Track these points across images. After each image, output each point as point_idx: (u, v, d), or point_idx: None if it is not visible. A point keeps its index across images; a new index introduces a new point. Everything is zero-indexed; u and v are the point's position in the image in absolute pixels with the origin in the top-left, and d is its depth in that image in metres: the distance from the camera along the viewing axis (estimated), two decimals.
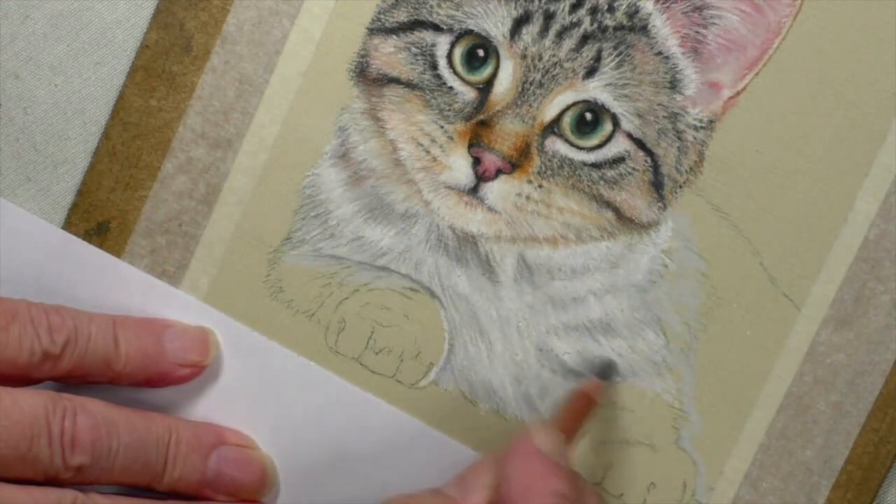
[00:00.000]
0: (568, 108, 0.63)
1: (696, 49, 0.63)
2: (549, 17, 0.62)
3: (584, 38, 0.62)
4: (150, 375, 0.61)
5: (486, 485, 0.57)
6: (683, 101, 0.63)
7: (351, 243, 0.64)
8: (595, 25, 0.62)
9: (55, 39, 0.63)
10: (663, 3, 0.62)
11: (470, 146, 0.63)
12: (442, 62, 0.63)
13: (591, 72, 0.63)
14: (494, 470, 0.57)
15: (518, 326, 0.65)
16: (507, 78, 0.63)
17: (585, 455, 0.65)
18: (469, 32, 0.63)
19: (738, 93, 0.63)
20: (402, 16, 0.63)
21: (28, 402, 0.57)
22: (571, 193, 0.64)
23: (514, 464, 0.56)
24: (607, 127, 0.63)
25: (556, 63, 0.62)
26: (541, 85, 0.63)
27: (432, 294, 0.64)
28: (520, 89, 0.63)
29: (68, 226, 0.64)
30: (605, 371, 0.64)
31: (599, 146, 0.63)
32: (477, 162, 0.63)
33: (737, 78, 0.63)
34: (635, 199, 0.64)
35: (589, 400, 0.62)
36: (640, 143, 0.63)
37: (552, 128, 0.63)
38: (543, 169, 0.63)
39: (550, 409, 0.64)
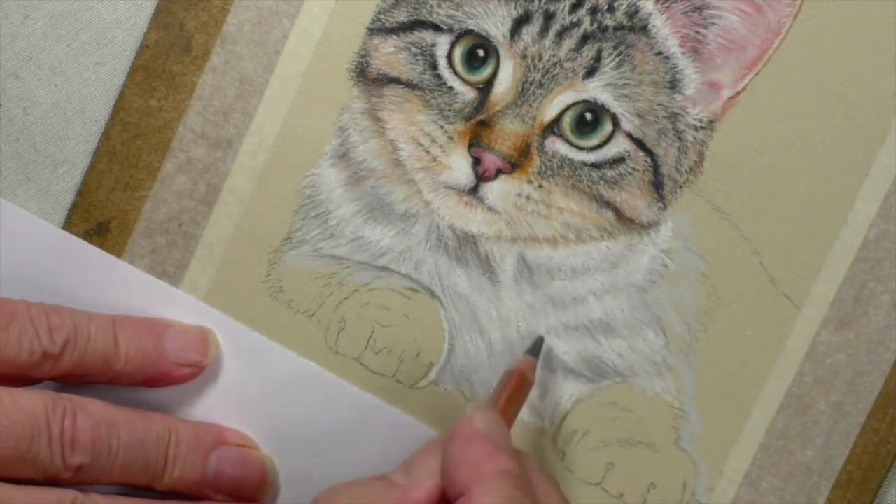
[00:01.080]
0: (568, 108, 0.63)
1: (696, 49, 0.63)
2: (549, 17, 0.62)
3: (584, 38, 0.62)
4: (149, 375, 0.61)
5: (433, 471, 0.56)
6: (683, 101, 0.63)
7: (351, 243, 0.64)
8: (595, 25, 0.62)
9: (55, 39, 0.63)
10: (663, 3, 0.62)
11: (470, 146, 0.63)
12: (442, 62, 0.63)
13: (591, 72, 0.63)
14: (440, 455, 0.57)
15: (518, 326, 0.65)
16: (507, 78, 0.63)
17: (585, 455, 0.65)
18: (469, 32, 0.63)
19: (738, 93, 0.63)
20: (402, 16, 0.63)
21: (28, 402, 0.57)
22: (571, 193, 0.64)
23: (457, 447, 0.56)
24: (607, 127, 0.63)
25: (556, 63, 0.62)
26: (541, 85, 0.63)
27: (432, 294, 0.64)
28: (520, 89, 0.63)
29: (68, 226, 0.64)
30: (535, 347, 0.64)
31: (599, 146, 0.63)
32: (477, 162, 0.63)
33: (737, 78, 0.63)
34: (635, 199, 0.64)
35: (522, 379, 0.62)
36: (640, 143, 0.63)
37: (552, 128, 0.63)
38: (543, 169, 0.63)
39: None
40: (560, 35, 0.62)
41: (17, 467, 0.57)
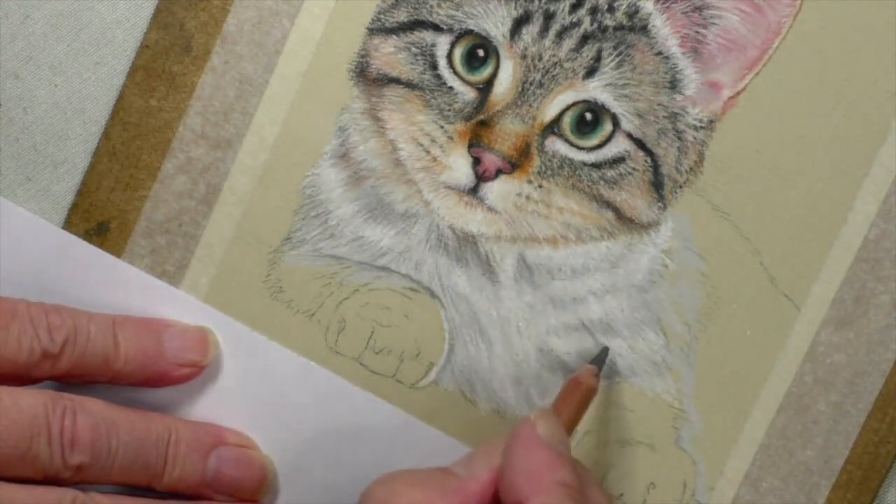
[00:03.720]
0: (568, 108, 0.63)
1: (696, 49, 0.63)
2: (549, 17, 0.62)
3: (584, 38, 0.62)
4: (149, 375, 0.61)
5: (491, 466, 0.57)
6: (683, 101, 0.63)
7: (351, 243, 0.64)
8: (595, 25, 0.62)
9: (55, 39, 0.63)
10: (663, 3, 0.62)
11: (470, 146, 0.63)
12: (442, 62, 0.63)
13: (591, 72, 0.63)
14: (500, 453, 0.57)
15: (518, 326, 0.65)
16: (507, 78, 0.63)
17: (586, 455, 0.65)
18: (469, 32, 0.63)
19: (738, 93, 0.63)
20: (402, 16, 0.63)
21: (28, 402, 0.57)
22: (571, 193, 0.64)
23: (518, 453, 0.56)
24: (607, 127, 0.63)
25: (556, 63, 0.62)
26: (541, 85, 0.63)
27: (432, 294, 0.64)
28: (520, 89, 0.63)
29: (68, 226, 0.64)
30: (600, 357, 0.64)
31: (599, 146, 0.63)
32: (477, 162, 0.63)
33: (737, 78, 0.63)
34: (635, 199, 0.64)
35: (586, 387, 0.61)
36: (640, 143, 0.63)
37: (552, 128, 0.63)
38: (543, 169, 0.63)
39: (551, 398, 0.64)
40: (560, 35, 0.62)
41: (17, 467, 0.57)
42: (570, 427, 0.60)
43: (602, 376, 0.64)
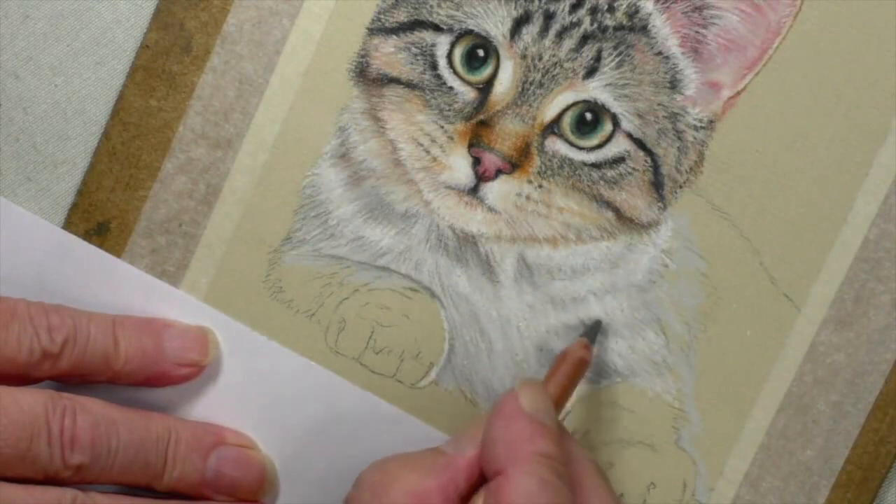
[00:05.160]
0: (568, 108, 0.63)
1: (696, 49, 0.63)
2: (549, 17, 0.62)
3: (584, 38, 0.62)
4: (149, 375, 0.61)
5: (478, 443, 0.57)
6: (683, 101, 0.63)
7: (351, 243, 0.64)
8: (595, 25, 0.62)
9: (55, 39, 0.63)
10: (663, 3, 0.62)
11: (470, 146, 0.63)
12: (442, 62, 0.63)
13: (591, 72, 0.63)
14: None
15: (518, 326, 0.65)
16: (507, 78, 0.63)
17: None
18: (469, 32, 0.63)
19: (738, 93, 0.63)
20: (402, 16, 0.63)
21: (28, 401, 0.57)
22: (571, 193, 0.64)
23: (499, 424, 0.56)
24: (607, 127, 0.63)
25: (556, 63, 0.62)
26: (541, 85, 0.63)
27: (432, 294, 0.64)
28: (520, 89, 0.63)
29: (68, 226, 0.64)
30: (592, 330, 0.64)
31: (599, 146, 0.63)
32: (477, 162, 0.63)
33: (737, 78, 0.63)
34: (635, 199, 0.64)
35: (574, 358, 0.61)
36: (640, 143, 0.63)
37: (552, 128, 0.63)
38: (543, 169, 0.63)
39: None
40: (560, 35, 0.62)
41: (16, 466, 0.57)
42: (561, 399, 0.60)
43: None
